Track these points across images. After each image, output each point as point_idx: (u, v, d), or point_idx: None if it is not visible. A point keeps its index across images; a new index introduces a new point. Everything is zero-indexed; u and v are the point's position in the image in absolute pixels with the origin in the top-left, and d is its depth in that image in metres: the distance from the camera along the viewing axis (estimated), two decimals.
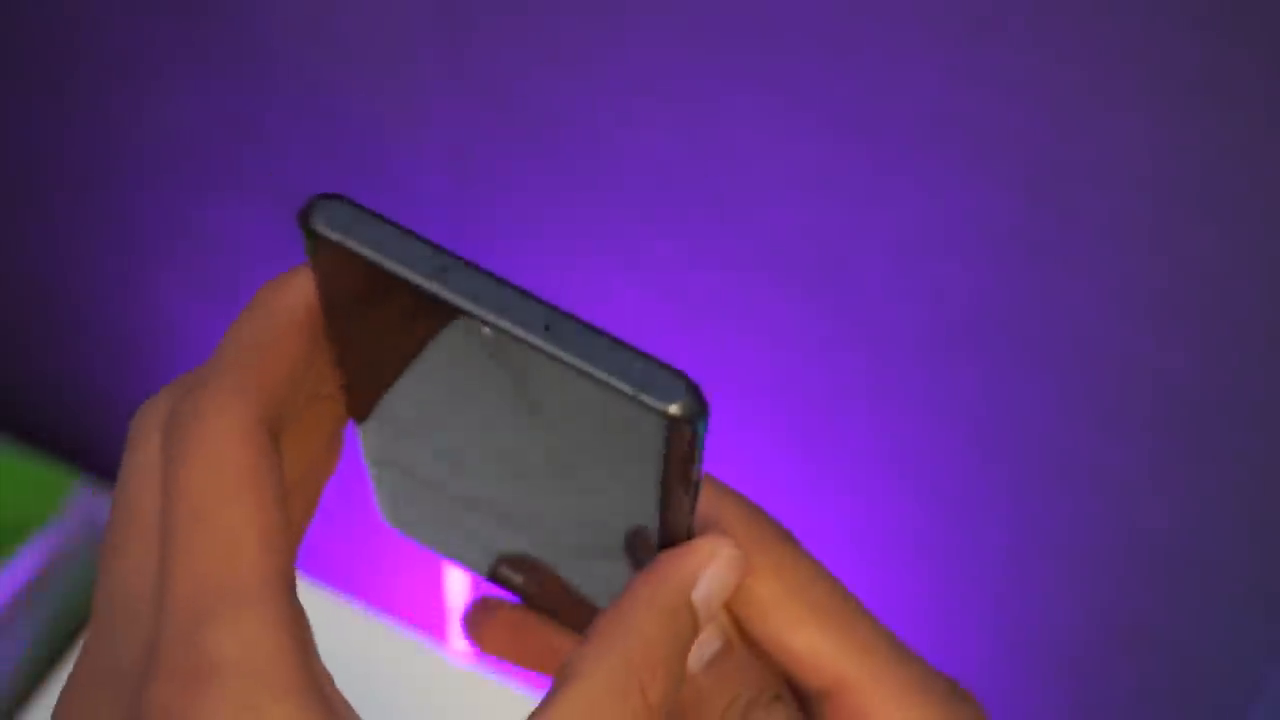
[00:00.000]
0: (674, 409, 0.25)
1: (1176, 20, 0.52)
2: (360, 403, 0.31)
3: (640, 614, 0.28)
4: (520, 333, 0.25)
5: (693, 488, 0.27)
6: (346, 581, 1.09)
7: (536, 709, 0.27)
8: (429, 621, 1.09)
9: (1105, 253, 0.60)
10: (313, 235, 0.26)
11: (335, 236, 0.26)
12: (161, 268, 0.92)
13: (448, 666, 1.07)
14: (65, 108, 0.85)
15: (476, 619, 0.37)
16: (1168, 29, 0.52)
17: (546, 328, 0.25)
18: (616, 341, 0.25)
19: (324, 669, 0.26)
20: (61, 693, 0.27)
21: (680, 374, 0.25)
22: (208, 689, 0.25)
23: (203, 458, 0.27)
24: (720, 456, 0.79)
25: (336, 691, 0.26)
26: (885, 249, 0.65)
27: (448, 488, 0.32)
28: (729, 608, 0.33)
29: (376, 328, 0.28)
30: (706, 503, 0.32)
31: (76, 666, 0.27)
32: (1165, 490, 0.68)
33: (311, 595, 1.03)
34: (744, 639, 0.34)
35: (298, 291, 0.29)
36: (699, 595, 0.29)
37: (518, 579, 0.35)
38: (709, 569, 0.29)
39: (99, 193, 0.89)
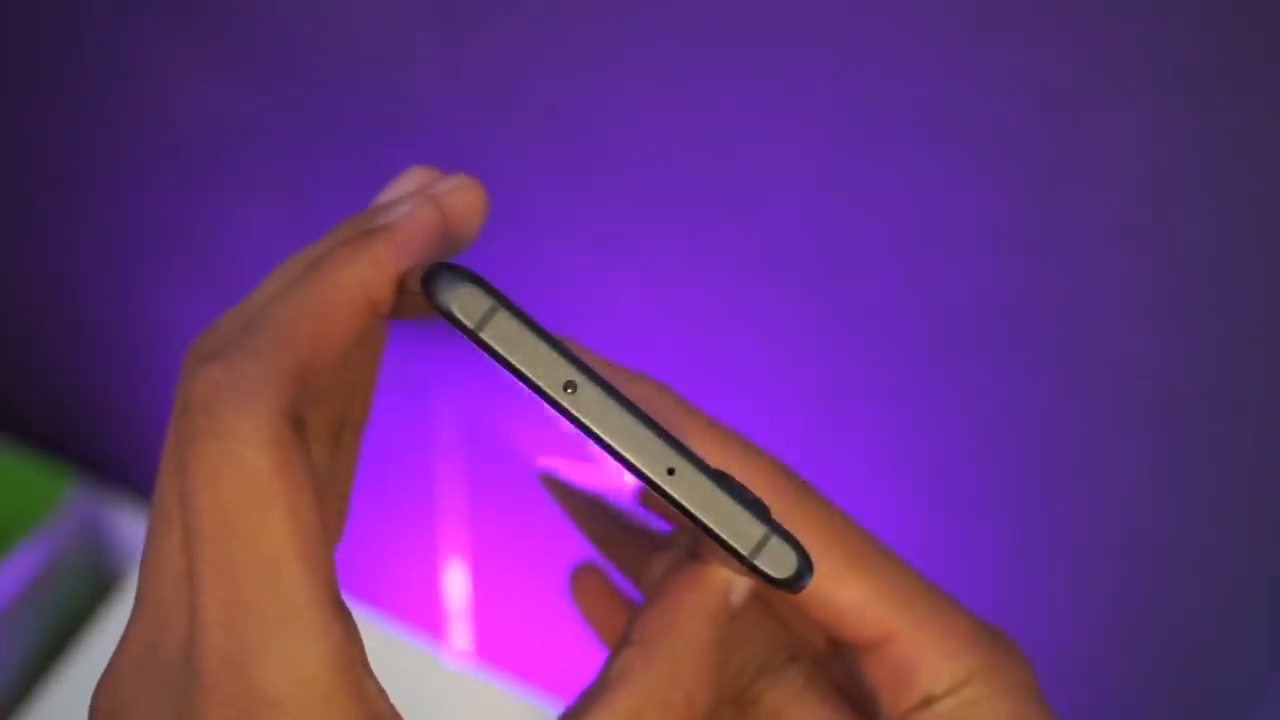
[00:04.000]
0: (782, 577, 0.25)
1: (1176, 19, 0.52)
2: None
3: (686, 621, 0.28)
4: (644, 471, 0.25)
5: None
6: (346, 582, 1.09)
7: (577, 707, 0.27)
8: (427, 623, 1.09)
9: (1105, 252, 0.60)
10: (438, 310, 0.25)
11: (468, 324, 0.25)
12: (161, 268, 0.92)
13: (445, 668, 1.07)
14: (65, 108, 0.85)
15: (580, 580, 0.37)
16: (1168, 28, 0.52)
17: (670, 471, 0.25)
18: (735, 494, 0.25)
19: (376, 687, 0.26)
20: (108, 667, 0.27)
21: (794, 542, 0.25)
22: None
23: (222, 456, 0.25)
24: None
25: (390, 709, 0.26)
26: (886, 248, 0.65)
27: None
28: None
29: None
30: (735, 464, 0.32)
31: (123, 643, 0.27)
32: (1165, 490, 0.68)
33: None
34: (760, 600, 0.34)
35: (358, 272, 0.27)
36: (735, 598, 0.29)
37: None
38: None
39: (99, 193, 0.89)
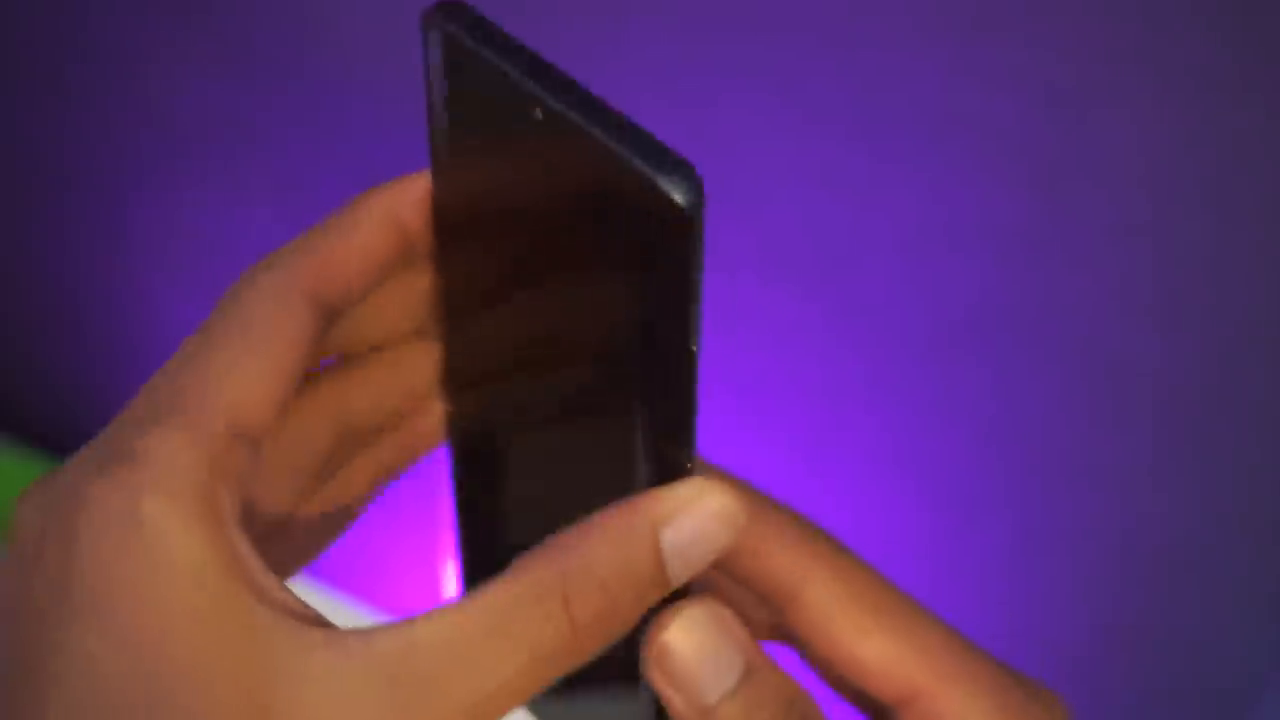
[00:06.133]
0: (683, 201, 0.25)
1: (1178, 18, 0.52)
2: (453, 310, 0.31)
3: (590, 535, 0.26)
4: (574, 119, 0.26)
5: (692, 339, 0.27)
6: (346, 581, 1.09)
7: (460, 600, 0.26)
8: None
9: (1107, 250, 0.60)
10: (440, 36, 0.27)
11: (469, 44, 0.26)
12: (160, 268, 0.92)
13: None
14: (63, 107, 0.85)
15: None
16: (1170, 27, 0.52)
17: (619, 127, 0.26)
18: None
19: (247, 546, 0.26)
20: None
21: (690, 169, 0.26)
22: (114, 469, 0.25)
23: (238, 303, 0.27)
24: (720, 457, 0.79)
25: (255, 559, 0.26)
26: (888, 246, 0.65)
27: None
28: (754, 627, 0.32)
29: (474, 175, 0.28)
30: (754, 516, 0.31)
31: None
32: (1166, 489, 0.68)
33: (311, 595, 1.03)
34: (768, 663, 0.33)
35: (383, 192, 0.29)
36: (670, 540, 0.27)
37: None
38: (690, 513, 0.27)
39: (97, 192, 0.89)
